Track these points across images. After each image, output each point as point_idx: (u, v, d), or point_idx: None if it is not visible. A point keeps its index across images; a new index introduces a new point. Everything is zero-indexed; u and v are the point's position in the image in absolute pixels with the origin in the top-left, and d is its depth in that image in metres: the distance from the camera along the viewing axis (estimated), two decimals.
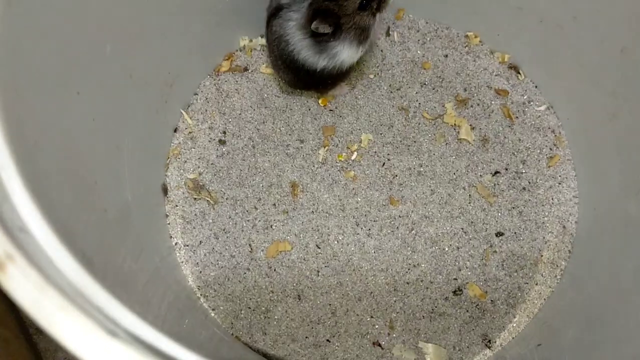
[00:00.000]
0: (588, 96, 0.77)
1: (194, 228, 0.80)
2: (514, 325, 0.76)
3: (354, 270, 0.79)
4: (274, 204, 0.81)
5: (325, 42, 0.73)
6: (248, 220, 0.81)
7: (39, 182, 0.46)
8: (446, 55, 0.87)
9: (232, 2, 0.81)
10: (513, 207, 0.80)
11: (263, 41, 0.87)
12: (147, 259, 0.71)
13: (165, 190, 0.81)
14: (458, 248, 0.79)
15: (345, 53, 0.74)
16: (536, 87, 0.85)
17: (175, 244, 0.80)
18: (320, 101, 0.86)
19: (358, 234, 0.80)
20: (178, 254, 0.79)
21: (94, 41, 0.61)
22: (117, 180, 0.67)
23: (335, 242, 0.80)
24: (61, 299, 0.35)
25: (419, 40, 0.88)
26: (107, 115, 0.65)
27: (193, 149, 0.84)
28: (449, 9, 0.87)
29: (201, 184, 0.82)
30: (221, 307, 0.78)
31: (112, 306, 0.39)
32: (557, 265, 0.78)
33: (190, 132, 0.84)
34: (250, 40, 0.89)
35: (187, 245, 0.80)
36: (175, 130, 0.84)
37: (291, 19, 0.73)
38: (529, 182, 0.81)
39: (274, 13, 0.74)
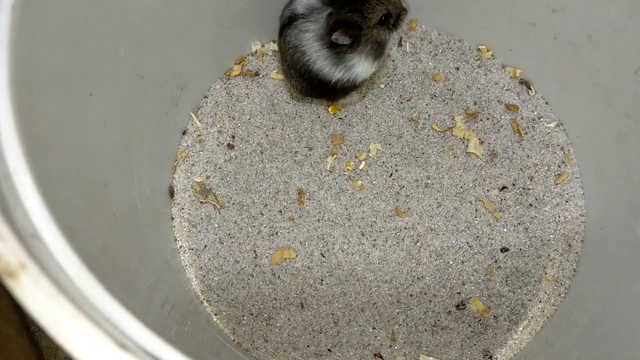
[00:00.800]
0: (599, 115, 0.77)
1: (199, 232, 0.80)
2: (516, 342, 0.76)
3: (357, 280, 0.79)
4: (280, 211, 0.81)
5: (343, 54, 0.73)
6: (254, 226, 0.81)
7: (50, 186, 0.46)
8: (457, 68, 0.87)
9: (245, 6, 0.81)
10: (519, 223, 0.80)
11: (275, 46, 0.87)
12: (151, 261, 0.71)
13: (172, 193, 0.81)
14: (463, 262, 0.79)
15: (360, 66, 0.74)
16: (547, 103, 0.85)
17: (180, 247, 0.80)
18: (330, 109, 0.85)
19: (363, 244, 0.80)
20: (182, 257, 0.79)
21: (109, 43, 0.61)
22: (126, 182, 0.67)
23: (340, 252, 0.80)
24: (72, 308, 0.35)
25: (430, 51, 0.88)
26: (118, 116, 0.65)
27: (201, 152, 0.84)
28: (461, 22, 0.86)
29: (208, 187, 0.82)
30: (224, 313, 0.78)
31: (120, 315, 0.39)
32: (561, 284, 0.78)
33: (199, 135, 0.84)
34: (262, 45, 0.88)
35: (192, 249, 0.80)
36: (184, 133, 0.84)
37: (308, 29, 0.73)
38: (536, 199, 0.81)
39: (288, 22, 0.74)
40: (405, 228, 0.81)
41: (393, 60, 0.88)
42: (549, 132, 0.84)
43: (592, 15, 0.73)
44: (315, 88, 0.78)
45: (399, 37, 0.89)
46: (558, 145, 0.83)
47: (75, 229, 0.48)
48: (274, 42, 0.88)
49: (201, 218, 0.81)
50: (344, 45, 0.72)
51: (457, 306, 0.78)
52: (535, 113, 0.85)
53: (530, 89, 0.86)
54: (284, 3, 0.78)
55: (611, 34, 0.72)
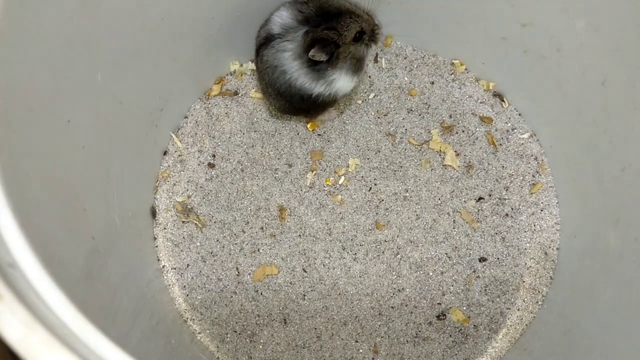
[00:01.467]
0: (570, 125, 0.79)
1: (182, 251, 0.81)
2: (496, 350, 0.78)
3: (339, 294, 0.80)
4: (262, 228, 0.83)
5: (323, 71, 0.75)
6: (236, 244, 0.82)
7: (28, 214, 0.46)
8: (432, 82, 0.89)
9: (222, 28, 0.82)
10: (496, 233, 0.82)
11: (253, 66, 0.89)
12: (134, 282, 0.71)
13: (154, 213, 0.82)
14: (442, 273, 0.81)
15: (341, 81, 0.76)
16: (520, 115, 0.87)
17: (163, 266, 0.80)
18: (309, 126, 0.87)
19: (344, 258, 0.81)
20: (165, 277, 0.80)
21: (85, 69, 0.62)
22: (106, 205, 0.68)
23: (322, 266, 0.81)
24: (49, 337, 0.36)
25: (406, 67, 0.90)
26: (97, 141, 0.66)
27: (182, 172, 0.85)
28: (435, 37, 0.88)
29: (190, 207, 0.83)
30: (207, 331, 0.79)
31: (100, 342, 0.40)
32: (538, 291, 0.79)
33: (179, 155, 0.85)
34: (241, 65, 0.90)
35: (175, 268, 0.80)
36: (164, 153, 0.85)
37: (286, 49, 0.74)
38: (512, 209, 0.83)
39: (264, 42, 0.76)
40: (385, 241, 0.82)
41: (370, 77, 0.90)
42: (522, 143, 0.86)
43: (559, 29, 0.75)
44: (295, 105, 0.79)
45: (375, 54, 0.90)
46: (532, 156, 0.85)
47: (54, 256, 0.49)
48: (251, 62, 0.89)
49: (183, 237, 0.82)
50: (322, 62, 0.73)
51: (438, 317, 0.79)
52: (509, 125, 0.87)
53: (503, 101, 0.88)
54: (260, 23, 0.80)
55: (579, 47, 0.74)
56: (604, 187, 0.73)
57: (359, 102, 0.88)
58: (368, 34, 0.75)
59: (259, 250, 0.81)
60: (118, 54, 0.67)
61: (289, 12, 0.74)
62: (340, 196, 0.84)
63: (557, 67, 0.78)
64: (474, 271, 0.81)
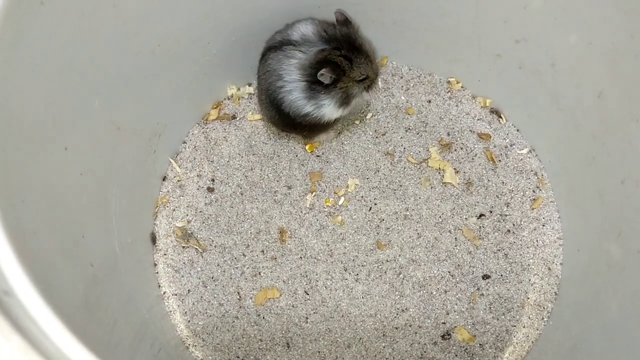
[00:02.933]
0: (568, 139, 0.79)
1: (182, 277, 0.81)
2: None
3: (342, 316, 0.79)
4: (262, 251, 0.82)
5: (317, 92, 0.75)
6: (236, 268, 0.81)
7: (24, 241, 0.46)
8: (429, 101, 0.89)
9: (218, 52, 0.83)
10: (498, 250, 0.81)
11: (251, 89, 0.89)
12: (134, 310, 0.71)
13: (154, 239, 0.82)
14: (445, 291, 0.80)
15: (328, 108, 0.76)
16: (518, 130, 0.87)
17: (164, 293, 0.80)
18: (307, 147, 0.87)
19: (346, 279, 0.81)
20: (166, 303, 0.79)
21: (82, 96, 0.62)
22: (105, 232, 0.68)
23: (324, 288, 0.80)
24: None
25: (402, 86, 0.90)
26: (94, 168, 0.66)
27: (182, 197, 0.85)
28: (431, 56, 0.89)
29: (189, 232, 0.83)
30: (210, 357, 0.78)
31: None
32: (543, 308, 0.79)
33: (179, 181, 0.85)
34: (238, 89, 0.90)
35: (176, 294, 0.80)
36: (164, 179, 0.85)
37: (294, 56, 0.74)
38: (514, 225, 0.82)
39: (276, 46, 0.76)
40: (387, 261, 0.81)
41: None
42: (521, 159, 0.86)
43: (553, 44, 0.75)
44: (283, 118, 0.79)
45: (367, 103, 0.90)
46: (531, 171, 0.85)
47: (52, 283, 0.49)
48: (249, 85, 0.90)
49: (184, 263, 0.81)
50: (322, 83, 0.74)
51: (443, 336, 0.78)
52: (507, 140, 0.87)
53: (500, 117, 0.88)
54: (257, 46, 0.80)
55: (573, 61, 0.74)
56: (605, 199, 0.73)
57: (357, 122, 0.89)
58: (369, 81, 0.77)
59: (260, 273, 0.81)
60: (115, 80, 0.68)
61: (313, 27, 0.75)
62: (340, 217, 0.84)
63: (552, 81, 0.78)
64: (478, 289, 0.80)
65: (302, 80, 0.75)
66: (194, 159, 0.87)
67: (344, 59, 0.73)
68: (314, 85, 0.75)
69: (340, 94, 0.76)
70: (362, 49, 0.75)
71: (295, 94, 0.76)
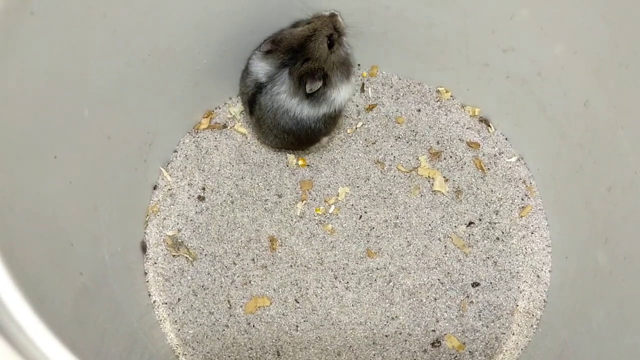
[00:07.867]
0: (555, 148, 0.80)
1: (173, 285, 0.80)
2: None
3: (332, 324, 0.79)
4: (253, 259, 0.82)
5: (321, 94, 0.77)
6: (227, 276, 0.81)
7: (12, 250, 0.46)
8: (419, 110, 0.90)
9: (209, 62, 0.83)
10: (488, 257, 0.82)
11: (240, 107, 0.90)
12: (124, 319, 0.71)
13: (144, 248, 0.82)
14: (435, 299, 0.80)
15: (341, 94, 0.79)
16: (506, 139, 0.88)
17: (154, 302, 0.80)
18: (300, 163, 0.87)
19: (336, 287, 0.81)
20: (156, 312, 0.79)
21: (72, 106, 0.62)
22: (94, 240, 0.68)
23: (314, 296, 0.80)
24: None
25: (392, 95, 0.91)
26: (84, 177, 0.66)
27: (172, 206, 0.85)
28: (420, 66, 0.90)
29: (180, 240, 0.83)
30: None
31: None
32: (532, 315, 0.79)
33: (169, 189, 0.85)
34: (230, 98, 0.91)
35: (166, 303, 0.80)
36: (154, 188, 0.85)
37: (280, 92, 0.77)
38: (503, 232, 0.83)
39: (257, 91, 0.78)
40: (377, 269, 0.82)
41: (357, 106, 0.91)
42: (510, 167, 0.86)
43: (539, 53, 0.76)
44: (302, 138, 0.81)
45: (361, 84, 0.91)
46: (520, 179, 0.86)
47: (40, 292, 0.49)
48: (237, 96, 0.90)
49: (174, 271, 0.81)
50: (319, 89, 0.76)
51: (433, 344, 0.78)
52: (496, 149, 0.88)
53: (489, 126, 0.89)
54: (247, 56, 0.81)
55: (559, 70, 0.75)
56: (592, 207, 0.73)
57: (348, 131, 0.89)
58: (335, 33, 0.77)
59: (250, 282, 0.81)
60: (105, 89, 0.68)
61: (264, 62, 0.78)
62: (330, 225, 0.84)
63: (539, 90, 0.79)
64: (468, 296, 0.80)
65: (302, 101, 0.77)
66: (185, 167, 0.87)
67: (306, 63, 0.75)
68: (313, 95, 0.77)
69: (337, 72, 0.77)
70: (301, 39, 0.75)
71: (305, 112, 0.78)
